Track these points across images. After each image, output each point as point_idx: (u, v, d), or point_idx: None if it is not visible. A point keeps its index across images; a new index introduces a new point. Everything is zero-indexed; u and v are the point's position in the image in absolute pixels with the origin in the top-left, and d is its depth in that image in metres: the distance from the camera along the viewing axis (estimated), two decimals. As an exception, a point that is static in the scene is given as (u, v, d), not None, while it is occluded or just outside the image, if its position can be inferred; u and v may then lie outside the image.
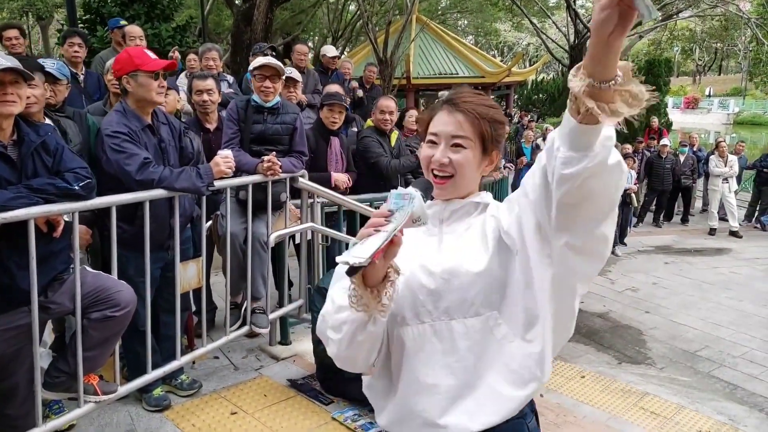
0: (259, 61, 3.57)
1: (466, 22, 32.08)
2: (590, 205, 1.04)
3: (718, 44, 30.37)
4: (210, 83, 3.81)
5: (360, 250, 1.07)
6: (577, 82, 0.95)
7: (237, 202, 3.45)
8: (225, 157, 2.99)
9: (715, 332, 5.90)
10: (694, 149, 11.68)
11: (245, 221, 3.37)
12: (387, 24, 14.87)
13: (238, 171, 3.27)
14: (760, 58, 22.38)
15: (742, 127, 36.77)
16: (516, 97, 26.32)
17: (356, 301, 1.15)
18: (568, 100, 0.99)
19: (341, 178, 4.27)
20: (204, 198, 2.99)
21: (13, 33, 4.56)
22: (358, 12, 17.22)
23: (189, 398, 3.25)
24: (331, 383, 3.33)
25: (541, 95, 28.77)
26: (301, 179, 3.58)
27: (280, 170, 3.38)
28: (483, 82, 18.23)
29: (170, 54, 5.72)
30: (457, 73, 17.81)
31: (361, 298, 1.14)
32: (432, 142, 1.30)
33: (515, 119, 18.94)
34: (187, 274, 2.95)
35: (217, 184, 2.98)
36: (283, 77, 3.81)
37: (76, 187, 2.22)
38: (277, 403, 3.28)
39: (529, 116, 20.13)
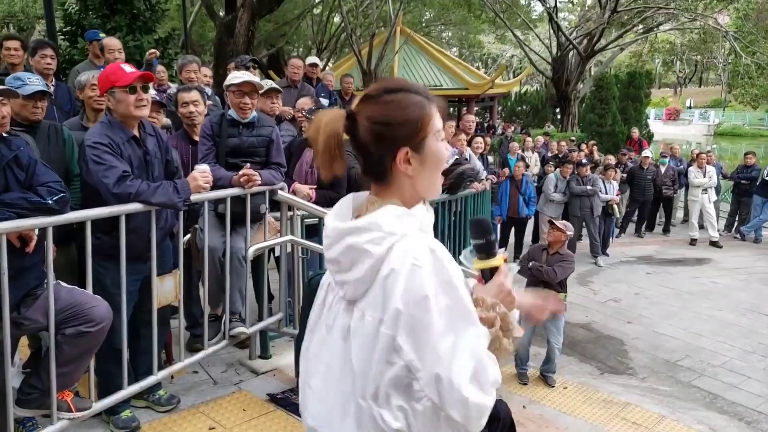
0: (238, 77, 3.57)
1: (450, 34, 32.39)
2: None
3: (698, 56, 30.94)
4: (195, 95, 3.81)
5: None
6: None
7: (216, 215, 3.43)
8: (203, 172, 2.98)
9: (696, 342, 5.95)
10: (675, 160, 11.83)
11: (224, 235, 3.35)
12: (371, 36, 15.01)
13: (216, 185, 3.26)
14: (738, 71, 22.78)
15: (722, 138, 37.40)
16: (500, 108, 26.56)
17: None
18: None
19: (303, 189, 4.23)
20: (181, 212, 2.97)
21: (13, 44, 4.52)
22: (343, 24, 17.32)
23: (167, 414, 3.20)
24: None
25: (524, 107, 29.07)
26: (280, 192, 3.57)
27: (259, 180, 3.38)
28: (467, 93, 18.40)
29: (147, 56, 5.67)
30: (442, 85, 17.96)
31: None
32: (443, 139, 1.26)
33: (499, 130, 19.11)
34: (164, 288, 2.93)
35: (195, 197, 2.96)
36: (261, 91, 3.81)
37: (50, 202, 2.20)
38: (256, 418, 3.25)
39: (512, 127, 20.32)
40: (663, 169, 11.07)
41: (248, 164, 3.42)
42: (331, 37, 22.33)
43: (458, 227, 5.45)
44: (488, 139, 9.70)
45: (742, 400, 4.79)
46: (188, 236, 3.56)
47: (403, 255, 1.11)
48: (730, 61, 25.01)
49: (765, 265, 9.27)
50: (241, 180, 3.34)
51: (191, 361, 3.33)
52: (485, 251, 1.28)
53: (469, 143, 6.66)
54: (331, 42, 22.45)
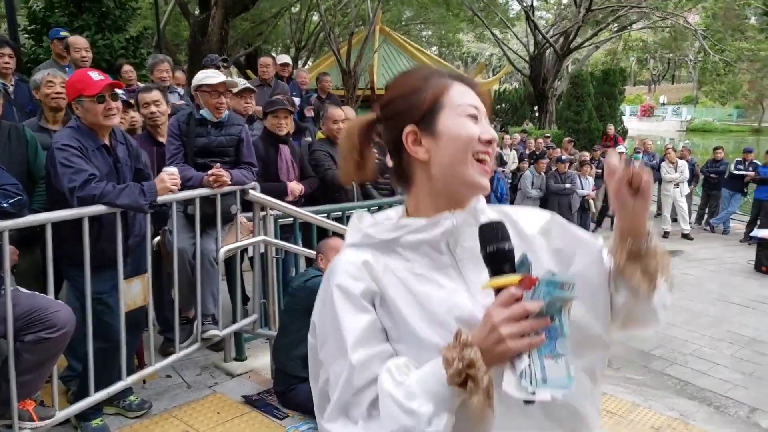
0: (213, 77, 3.53)
1: (429, 32, 32.47)
2: None
3: (670, 54, 31.50)
4: (155, 95, 3.75)
5: (544, 376, 0.82)
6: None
7: (185, 217, 3.39)
8: (170, 174, 2.94)
9: (668, 331, 6.06)
10: (648, 156, 12.03)
11: (194, 236, 3.31)
12: (350, 35, 14.96)
13: (185, 186, 3.22)
14: (707, 68, 23.27)
15: (694, 133, 38.13)
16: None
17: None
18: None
19: (297, 188, 4.23)
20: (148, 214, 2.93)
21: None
22: (321, 23, 17.25)
23: (138, 420, 3.16)
24: (289, 396, 3.30)
25: (503, 105, 29.25)
26: (251, 191, 3.54)
27: (229, 180, 3.34)
28: (445, 92, 18.43)
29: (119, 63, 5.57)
30: (420, 84, 17.96)
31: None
32: (473, 116, 0.99)
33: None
34: (132, 292, 2.88)
35: (163, 198, 2.92)
36: (235, 90, 3.78)
37: (5, 204, 2.15)
38: (230, 420, 3.23)
39: (492, 125, 20.40)
40: (637, 165, 11.25)
41: (218, 164, 3.39)
42: (309, 35, 22.22)
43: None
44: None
45: (710, 386, 4.89)
46: (158, 239, 3.51)
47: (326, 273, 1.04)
48: (699, 58, 25.52)
49: (733, 256, 9.48)
50: (211, 180, 3.31)
51: (163, 365, 3.29)
52: (497, 264, 0.90)
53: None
54: (309, 41, 22.34)
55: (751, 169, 10.52)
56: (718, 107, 39.59)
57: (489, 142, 0.98)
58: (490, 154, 0.99)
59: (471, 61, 47.94)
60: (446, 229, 0.98)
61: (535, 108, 22.95)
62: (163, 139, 3.78)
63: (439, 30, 29.32)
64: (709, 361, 5.38)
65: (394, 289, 0.97)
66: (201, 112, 3.56)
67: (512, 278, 0.88)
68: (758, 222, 10.09)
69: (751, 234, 9.61)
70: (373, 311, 0.97)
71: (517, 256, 0.91)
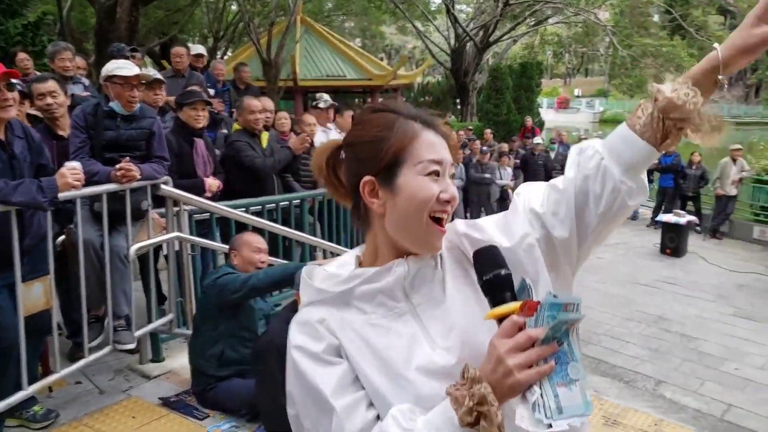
0: (125, 69, 3.33)
1: (352, 24, 32.35)
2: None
3: (583, 49, 33.12)
4: (51, 85, 3.49)
5: (559, 405, 0.77)
6: (690, 95, 0.88)
7: (92, 213, 3.21)
8: (72, 169, 2.76)
9: (584, 313, 6.39)
10: (564, 146, 12.60)
11: (102, 234, 3.14)
12: (270, 25, 14.63)
13: (91, 182, 3.04)
14: (616, 62, 24.69)
15: (606, 125, 40.29)
16: (404, 99, 26.97)
17: None
18: (644, 123, 0.93)
19: (214, 183, 4.10)
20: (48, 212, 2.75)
21: None
22: (240, 12, 16.76)
23: (44, 430, 2.97)
24: (208, 396, 3.22)
25: (427, 97, 29.68)
26: (163, 186, 3.39)
27: (138, 176, 3.19)
28: (371, 84, 18.46)
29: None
30: (345, 75, 17.89)
31: None
32: (435, 173, 0.95)
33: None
34: (32, 295, 2.69)
35: (66, 195, 2.75)
36: (145, 82, 3.61)
37: None
38: (147, 424, 3.11)
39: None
40: (553, 155, 11.78)
41: (127, 158, 3.23)
42: (228, 25, 21.54)
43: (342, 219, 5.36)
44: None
45: (621, 362, 5.23)
46: (62, 238, 3.30)
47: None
48: (609, 53, 27.00)
49: (640, 240, 10.15)
50: (119, 175, 3.14)
51: (71, 371, 3.11)
52: (497, 292, 0.87)
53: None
54: (228, 31, 21.67)
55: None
56: (627, 100, 42.05)
57: (447, 202, 0.95)
58: (448, 212, 0.96)
59: (395, 53, 48.26)
60: (399, 276, 0.95)
61: (458, 101, 23.47)
62: (63, 133, 3.55)
63: (362, 22, 29.30)
64: (620, 339, 5.74)
65: (352, 345, 0.93)
66: (110, 104, 3.36)
67: (513, 306, 0.83)
68: (663, 207, 10.83)
69: (656, 219, 10.31)
70: (343, 361, 0.93)
71: (516, 282, 0.87)
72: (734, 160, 10.30)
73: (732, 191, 10.27)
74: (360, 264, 1.03)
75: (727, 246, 10.08)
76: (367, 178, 0.95)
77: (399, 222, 0.95)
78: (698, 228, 10.38)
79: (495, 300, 0.86)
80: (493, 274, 0.86)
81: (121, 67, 3.37)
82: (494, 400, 0.78)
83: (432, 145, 0.96)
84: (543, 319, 0.78)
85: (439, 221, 0.95)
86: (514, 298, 0.85)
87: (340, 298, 0.96)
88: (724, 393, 4.86)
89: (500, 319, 0.83)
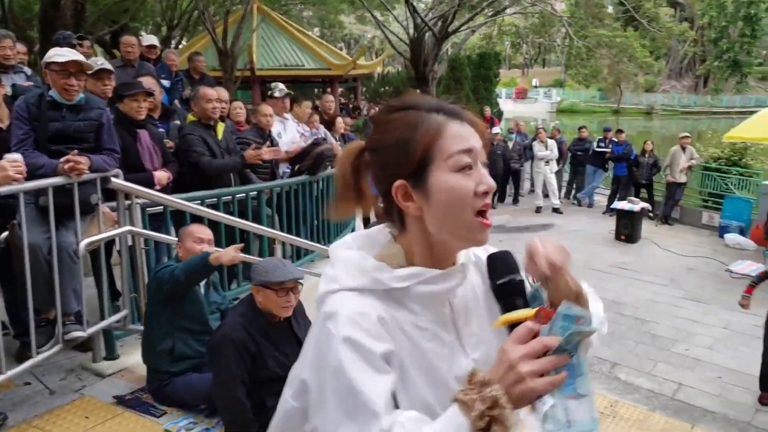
0: (61, 55, 3.19)
1: (310, 13, 31.93)
2: None
3: (540, 39, 33.66)
4: (-13, 74, 3.32)
5: (569, 419, 0.76)
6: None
7: (37, 209, 3.07)
8: (13, 161, 2.64)
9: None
10: (521, 136, 12.80)
11: (49, 230, 3.02)
12: (225, 13, 14.31)
13: (36, 175, 2.92)
14: (572, 53, 25.20)
15: (563, 114, 41.18)
16: (363, 89, 26.84)
17: None
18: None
19: (164, 176, 3.97)
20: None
21: None
22: (194, 0, 16.32)
23: (-10, 435, 2.86)
24: (164, 392, 3.15)
25: (387, 87, 29.63)
26: (114, 179, 3.28)
27: (86, 168, 3.07)
28: (330, 74, 18.30)
29: None
30: (304, 65, 17.68)
31: None
32: (467, 166, 0.91)
33: (365, 111, 19.33)
34: (-28, 294, 2.57)
35: (6, 189, 2.63)
36: (89, 71, 3.46)
37: None
38: (101, 424, 3.02)
39: (377, 108, 20.66)
40: (511, 145, 11.95)
41: (75, 150, 3.10)
42: (182, 13, 20.92)
43: (321, 208, 5.42)
44: (348, 120, 9.77)
45: (578, 348, 5.37)
46: (5, 234, 3.16)
47: (323, 314, 0.90)
48: (566, 44, 27.51)
49: (596, 227, 10.43)
50: (66, 168, 3.02)
51: (18, 372, 2.98)
52: (509, 297, 0.88)
53: (332, 124, 6.68)
54: (182, 19, 21.06)
55: (610, 147, 11.55)
56: (583, 90, 43.01)
57: (486, 194, 0.91)
58: (489, 203, 0.92)
59: (354, 43, 47.99)
60: (457, 283, 0.93)
61: (418, 91, 23.48)
62: (2, 125, 3.38)
63: (320, 11, 28.95)
64: (575, 323, 5.90)
65: (404, 348, 0.88)
66: (50, 92, 3.22)
67: (527, 312, 0.82)
68: (617, 195, 11.14)
69: (611, 206, 10.60)
70: (392, 372, 0.86)
71: (528, 290, 0.87)
72: (684, 149, 10.64)
73: (681, 178, 10.63)
74: (407, 263, 0.96)
75: (678, 231, 10.46)
76: (398, 182, 0.92)
77: (440, 222, 0.91)
78: (651, 214, 10.72)
79: (507, 306, 0.85)
80: (507, 279, 0.86)
81: (58, 53, 3.21)
82: (507, 403, 0.75)
83: (459, 136, 0.92)
84: (557, 328, 0.77)
85: (482, 214, 0.91)
86: (526, 305, 0.84)
87: (393, 294, 0.91)
88: (675, 373, 5.06)
89: (511, 326, 0.82)
